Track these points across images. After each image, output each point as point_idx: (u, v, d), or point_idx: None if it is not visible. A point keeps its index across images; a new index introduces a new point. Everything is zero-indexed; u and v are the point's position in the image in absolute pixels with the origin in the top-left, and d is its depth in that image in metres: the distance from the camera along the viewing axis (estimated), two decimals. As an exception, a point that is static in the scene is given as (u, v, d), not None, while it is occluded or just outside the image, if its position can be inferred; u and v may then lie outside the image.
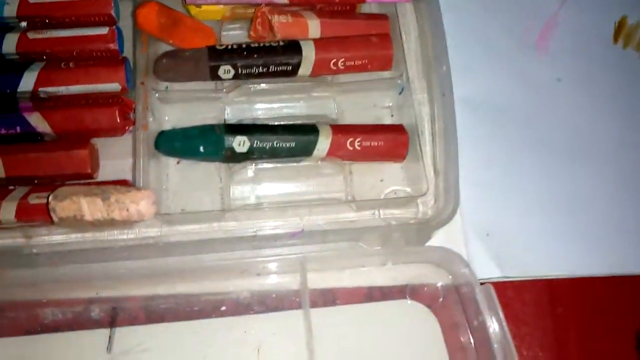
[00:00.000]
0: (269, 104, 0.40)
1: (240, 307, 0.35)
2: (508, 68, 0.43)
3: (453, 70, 0.38)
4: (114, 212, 0.31)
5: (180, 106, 0.39)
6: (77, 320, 0.34)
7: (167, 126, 0.39)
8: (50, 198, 0.32)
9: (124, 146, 0.38)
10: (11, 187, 0.35)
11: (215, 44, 0.39)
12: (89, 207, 0.31)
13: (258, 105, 0.40)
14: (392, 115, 0.41)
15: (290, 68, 0.38)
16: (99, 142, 0.37)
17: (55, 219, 0.32)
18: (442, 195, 0.36)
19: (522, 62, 0.43)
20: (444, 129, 0.37)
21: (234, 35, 0.41)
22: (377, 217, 0.37)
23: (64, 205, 0.31)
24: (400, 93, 0.40)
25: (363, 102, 0.41)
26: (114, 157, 0.38)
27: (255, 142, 0.36)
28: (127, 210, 0.32)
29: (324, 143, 0.37)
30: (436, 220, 0.35)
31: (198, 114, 0.39)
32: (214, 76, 0.38)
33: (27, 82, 0.36)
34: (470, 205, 0.38)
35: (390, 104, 0.41)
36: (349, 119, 0.40)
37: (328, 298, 0.36)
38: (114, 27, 0.38)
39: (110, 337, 0.34)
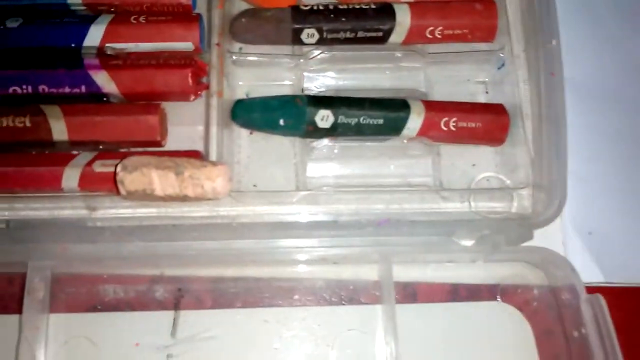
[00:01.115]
0: (351, 73, 0.36)
1: (315, 296, 0.32)
2: (619, 50, 0.38)
3: (558, 48, 0.34)
4: (187, 189, 0.28)
5: (255, 71, 0.36)
6: (140, 299, 0.31)
7: (240, 93, 0.35)
8: (118, 168, 0.29)
9: (195, 112, 0.34)
10: (75, 152, 0.32)
11: (297, 2, 0.36)
12: (161, 181, 0.28)
13: (339, 74, 0.36)
14: (486, 92, 0.37)
15: (380, 34, 0.34)
16: (167, 106, 0.34)
17: (123, 191, 0.29)
18: (546, 188, 0.32)
19: (635, 44, 0.38)
20: (553, 113, 0.33)
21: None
22: (468, 208, 0.33)
23: (133, 177, 0.28)
24: (499, 68, 0.36)
25: (455, 75, 0.37)
26: (183, 123, 0.35)
27: (340, 117, 0.32)
28: (202, 187, 0.28)
29: (415, 121, 0.33)
30: (539, 217, 0.31)
31: (274, 80, 0.36)
32: (296, 40, 0.34)
33: (94, 36, 0.33)
34: (572, 200, 0.34)
35: (486, 79, 0.37)
36: (439, 93, 0.36)
37: (408, 292, 0.33)
38: (187, -21, 0.34)
39: (174, 320, 0.31)
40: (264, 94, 0.35)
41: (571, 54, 0.36)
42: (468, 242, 0.31)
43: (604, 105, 0.37)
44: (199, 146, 0.34)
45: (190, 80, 0.33)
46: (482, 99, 0.37)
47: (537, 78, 0.35)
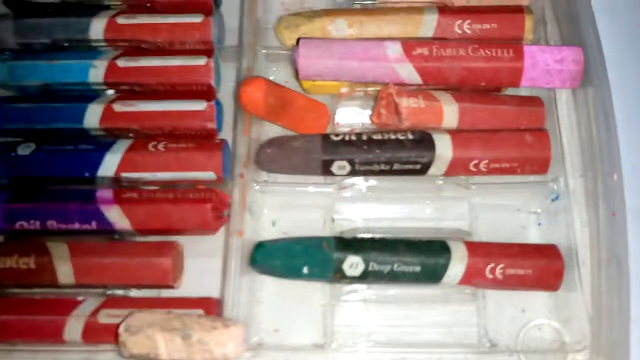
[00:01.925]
0: (387, 203, 0.33)
1: None
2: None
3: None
4: (194, 354, 0.25)
5: (282, 200, 0.33)
6: None
7: (266, 221, 0.32)
8: (121, 329, 0.26)
9: (214, 243, 0.32)
10: (80, 298, 0.29)
11: (328, 122, 0.33)
12: (167, 345, 0.25)
13: (374, 205, 0.33)
14: (539, 224, 0.33)
15: (419, 167, 0.31)
16: (183, 238, 0.31)
17: (126, 354, 0.26)
18: (605, 351, 0.28)
19: None
20: (614, 260, 0.29)
21: (352, 115, 0.34)
22: (518, 367, 0.29)
23: (136, 340, 0.25)
24: (553, 200, 0.32)
25: (503, 204, 0.33)
26: (200, 254, 0.32)
27: (371, 264, 0.29)
28: (212, 353, 0.25)
29: (457, 268, 0.29)
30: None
31: (302, 208, 0.33)
32: (326, 171, 0.31)
33: (109, 165, 0.31)
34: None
35: (539, 210, 0.33)
36: (485, 225, 0.32)
37: None
38: (213, 102, 0.32)
39: None
40: (291, 223, 0.32)
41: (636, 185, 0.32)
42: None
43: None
44: (216, 286, 0.31)
45: (210, 216, 0.30)
46: (534, 231, 0.33)
47: (596, 216, 0.31)
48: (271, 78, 0.34)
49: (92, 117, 0.32)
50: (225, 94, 0.34)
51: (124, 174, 0.31)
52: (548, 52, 0.31)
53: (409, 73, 0.31)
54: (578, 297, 0.30)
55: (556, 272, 0.30)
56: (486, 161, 0.31)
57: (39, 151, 0.31)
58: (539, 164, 0.31)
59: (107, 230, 0.30)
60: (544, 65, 0.31)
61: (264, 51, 0.34)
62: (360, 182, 0.32)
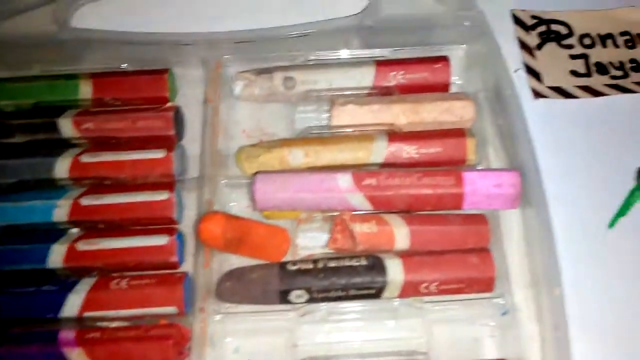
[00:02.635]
0: (347, 326, 0.34)
1: None
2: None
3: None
4: None
5: (244, 327, 0.33)
6: None
7: (227, 351, 0.33)
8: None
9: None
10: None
11: (289, 247, 0.34)
12: None
13: (335, 329, 0.34)
14: (493, 337, 0.34)
15: (373, 292, 0.32)
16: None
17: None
18: None
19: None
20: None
21: (311, 238, 0.35)
22: None
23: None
24: (503, 314, 0.33)
25: (458, 319, 0.34)
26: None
27: None
28: None
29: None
30: None
31: (264, 337, 0.33)
32: (284, 300, 0.32)
33: (72, 305, 0.32)
34: None
35: (492, 324, 0.34)
36: (441, 341, 0.33)
37: None
38: (174, 236, 0.33)
39: None
40: (254, 349, 0.33)
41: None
42: None
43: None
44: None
45: (171, 353, 0.31)
46: (488, 344, 0.34)
47: (542, 330, 0.32)
48: (233, 204, 0.36)
49: (56, 256, 0.33)
50: (188, 224, 0.35)
51: (87, 314, 0.32)
52: (487, 177, 0.33)
53: (360, 202, 0.33)
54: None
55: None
56: (436, 283, 0.32)
57: (1, 294, 0.32)
58: (484, 284, 0.32)
59: (70, 375, 0.30)
60: (484, 190, 0.33)
61: (224, 181, 0.36)
62: (319, 308, 0.33)
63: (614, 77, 0.40)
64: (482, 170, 0.35)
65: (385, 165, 0.35)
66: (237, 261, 0.34)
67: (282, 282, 0.32)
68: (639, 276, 0.35)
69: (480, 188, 0.33)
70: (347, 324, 0.34)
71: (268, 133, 0.38)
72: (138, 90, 0.36)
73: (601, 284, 0.35)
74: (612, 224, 0.36)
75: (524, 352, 0.32)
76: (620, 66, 0.41)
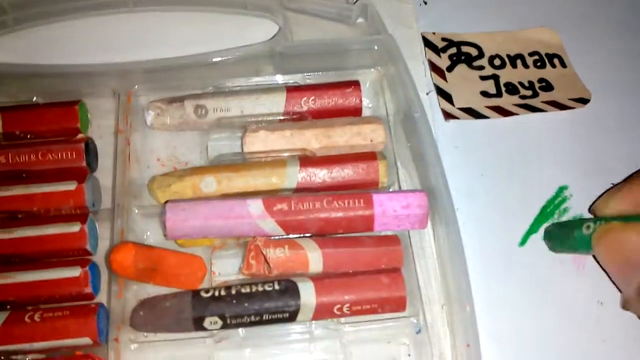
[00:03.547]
0: (264, 351, 0.34)
1: None
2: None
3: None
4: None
5: (161, 355, 0.34)
6: None
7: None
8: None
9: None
10: None
11: (205, 275, 0.35)
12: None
13: (252, 353, 0.34)
14: (409, 355, 0.35)
15: (287, 315, 0.33)
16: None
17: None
18: None
19: (560, 283, 0.37)
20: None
21: (226, 265, 0.36)
22: None
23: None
24: (417, 332, 0.34)
25: (374, 338, 0.35)
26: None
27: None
28: None
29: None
30: None
31: (184, 361, 0.34)
32: (199, 327, 0.32)
33: (-17, 341, 0.31)
34: None
35: (407, 342, 0.35)
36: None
37: None
38: (87, 267, 0.33)
39: None
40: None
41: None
42: None
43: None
44: None
45: (85, 385, 0.31)
46: (404, 361, 0.35)
47: (454, 346, 0.33)
48: (148, 234, 0.36)
49: (-32, 293, 0.32)
50: (102, 255, 0.35)
51: (1, 347, 0.31)
52: (395, 199, 0.34)
53: (271, 227, 0.34)
54: None
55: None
56: (348, 305, 0.33)
57: None
58: (396, 303, 0.33)
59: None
60: (392, 211, 0.34)
61: (137, 211, 0.36)
62: (236, 333, 0.33)
63: (523, 97, 0.42)
64: (390, 192, 0.36)
65: (299, 190, 0.36)
66: (153, 290, 0.34)
67: (194, 309, 0.32)
68: (547, 292, 0.37)
69: (389, 209, 0.34)
70: (266, 348, 0.34)
71: (182, 161, 0.38)
72: (49, 122, 0.36)
73: (511, 300, 0.37)
74: (522, 242, 0.38)
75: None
76: (530, 86, 0.42)
